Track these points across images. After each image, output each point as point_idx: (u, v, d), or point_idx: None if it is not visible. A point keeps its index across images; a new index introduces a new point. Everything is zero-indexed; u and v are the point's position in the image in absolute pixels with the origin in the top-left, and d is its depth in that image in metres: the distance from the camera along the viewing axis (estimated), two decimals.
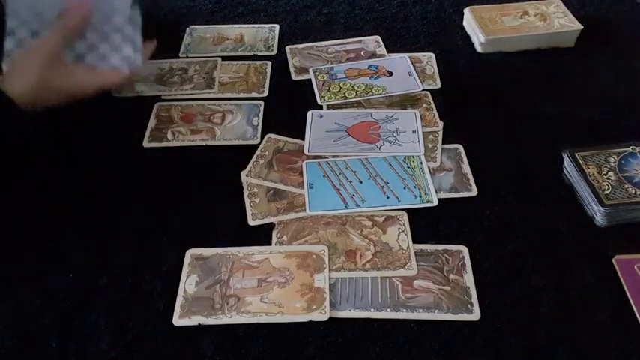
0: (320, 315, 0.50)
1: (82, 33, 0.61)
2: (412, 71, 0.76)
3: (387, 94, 0.72)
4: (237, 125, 0.70)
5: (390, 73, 0.75)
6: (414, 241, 0.56)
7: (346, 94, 0.73)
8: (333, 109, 0.72)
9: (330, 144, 0.66)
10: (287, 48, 0.82)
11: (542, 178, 0.63)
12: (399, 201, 0.60)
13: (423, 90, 0.74)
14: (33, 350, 0.49)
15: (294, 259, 0.55)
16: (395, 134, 0.68)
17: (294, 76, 0.78)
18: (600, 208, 0.57)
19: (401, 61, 0.78)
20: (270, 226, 0.58)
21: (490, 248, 0.56)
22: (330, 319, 0.50)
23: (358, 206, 0.59)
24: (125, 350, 0.49)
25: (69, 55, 0.61)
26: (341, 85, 0.74)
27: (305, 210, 0.59)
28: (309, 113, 0.71)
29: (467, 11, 0.85)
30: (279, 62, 0.80)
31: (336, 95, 0.72)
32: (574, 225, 0.58)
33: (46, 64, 0.58)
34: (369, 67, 0.77)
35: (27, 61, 0.58)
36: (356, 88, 0.73)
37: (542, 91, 0.75)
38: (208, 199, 0.61)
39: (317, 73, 0.76)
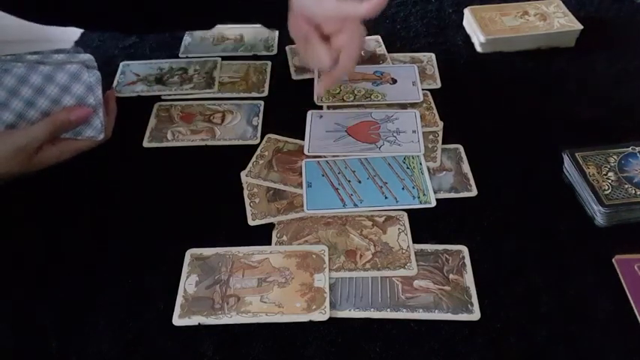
0: (320, 315, 0.50)
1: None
2: (417, 81, 0.75)
3: (385, 102, 0.72)
4: (237, 125, 0.70)
5: (394, 81, 0.75)
6: (414, 241, 0.56)
7: (344, 98, 0.72)
8: (333, 108, 0.72)
9: (330, 144, 0.66)
10: (287, 48, 0.82)
11: (542, 178, 0.63)
12: (396, 201, 0.60)
13: (423, 90, 0.74)
14: (33, 350, 0.49)
15: (294, 259, 0.55)
16: (395, 134, 0.67)
17: (294, 76, 0.78)
18: (600, 208, 0.57)
19: (408, 69, 0.77)
20: (270, 226, 0.58)
21: (490, 248, 0.56)
22: (330, 319, 0.50)
23: (356, 206, 0.59)
24: (125, 350, 0.49)
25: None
26: (341, 87, 0.74)
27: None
28: (309, 113, 0.71)
29: (467, 11, 0.85)
30: (279, 62, 0.80)
31: (334, 97, 0.72)
32: (574, 225, 0.58)
33: (19, 153, 0.56)
34: (375, 72, 0.76)
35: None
36: (355, 92, 0.73)
37: (542, 91, 0.75)
38: (208, 199, 0.61)
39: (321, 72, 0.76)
